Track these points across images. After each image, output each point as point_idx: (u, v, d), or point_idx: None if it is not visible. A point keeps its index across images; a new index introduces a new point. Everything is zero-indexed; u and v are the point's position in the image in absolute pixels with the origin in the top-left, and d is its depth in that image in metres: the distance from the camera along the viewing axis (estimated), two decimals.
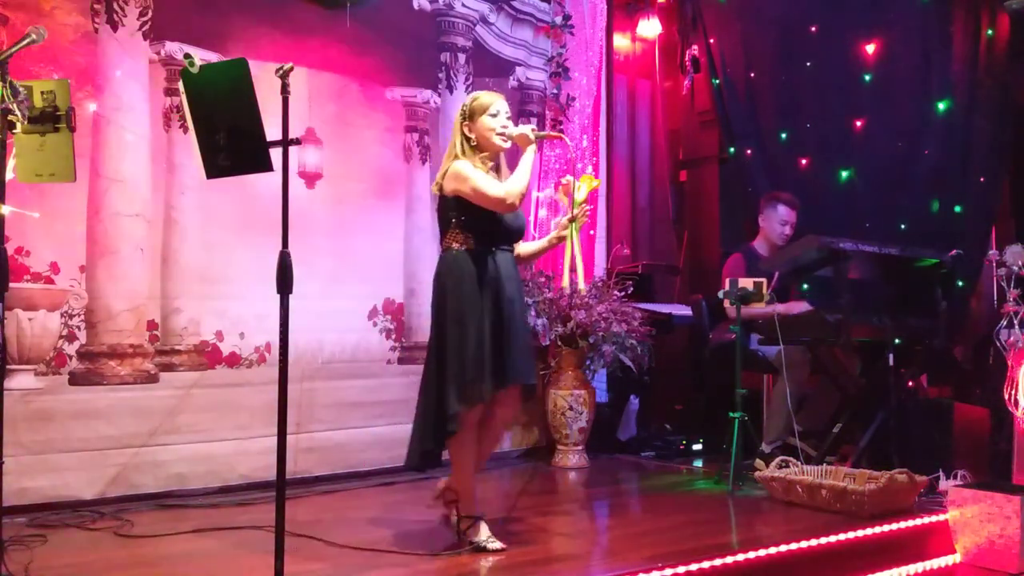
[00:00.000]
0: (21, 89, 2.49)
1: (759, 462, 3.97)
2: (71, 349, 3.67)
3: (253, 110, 2.47)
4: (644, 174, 6.43)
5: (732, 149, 5.82)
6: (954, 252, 4.33)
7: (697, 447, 5.13)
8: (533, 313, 4.64)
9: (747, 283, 4.11)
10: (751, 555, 2.95)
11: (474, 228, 3.02)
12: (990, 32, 4.85)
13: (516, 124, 3.13)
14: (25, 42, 2.53)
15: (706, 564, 2.84)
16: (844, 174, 5.24)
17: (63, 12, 3.67)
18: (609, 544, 3.42)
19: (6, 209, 2.47)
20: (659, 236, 6.44)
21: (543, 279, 4.81)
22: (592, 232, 5.34)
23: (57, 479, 3.57)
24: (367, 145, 4.60)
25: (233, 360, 4.09)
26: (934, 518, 3.53)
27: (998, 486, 3.56)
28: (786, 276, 4.55)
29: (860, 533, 3.28)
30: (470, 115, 3.07)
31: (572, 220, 3.11)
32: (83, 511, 3.52)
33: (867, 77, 5.17)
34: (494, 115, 3.06)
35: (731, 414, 4.05)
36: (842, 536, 3.23)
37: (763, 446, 4.46)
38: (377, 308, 4.60)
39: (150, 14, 3.89)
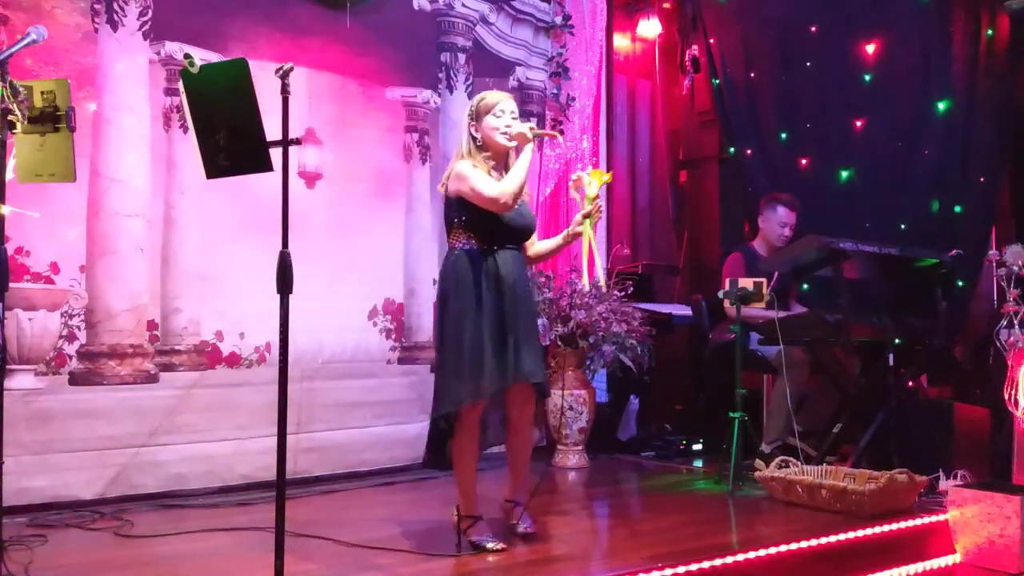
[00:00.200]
0: (21, 89, 2.49)
1: (759, 462, 3.97)
2: (71, 349, 3.67)
3: (253, 110, 2.47)
4: (644, 174, 6.43)
5: (732, 149, 5.82)
6: (954, 252, 4.33)
7: (697, 447, 5.13)
8: None
9: (747, 283, 4.11)
10: (751, 555, 2.95)
11: (476, 228, 3.02)
12: (990, 32, 4.85)
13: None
14: (25, 42, 2.53)
15: (706, 564, 2.84)
16: (844, 174, 5.24)
17: (63, 12, 3.67)
18: (609, 544, 3.42)
19: (6, 209, 2.47)
20: (659, 236, 6.44)
21: (543, 279, 4.81)
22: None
23: (57, 479, 3.57)
24: (367, 145, 4.59)
25: (233, 360, 4.09)
26: (934, 518, 3.53)
27: (998, 486, 3.56)
28: (786, 276, 4.55)
29: (860, 533, 3.28)
30: (476, 115, 3.08)
31: (587, 216, 3.08)
32: (83, 511, 3.52)
33: (867, 77, 5.17)
34: (498, 115, 3.06)
35: (731, 414, 4.05)
36: (842, 536, 3.22)
37: (763, 446, 4.46)
38: (377, 308, 4.60)
39: (150, 14, 3.89)
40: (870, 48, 5.18)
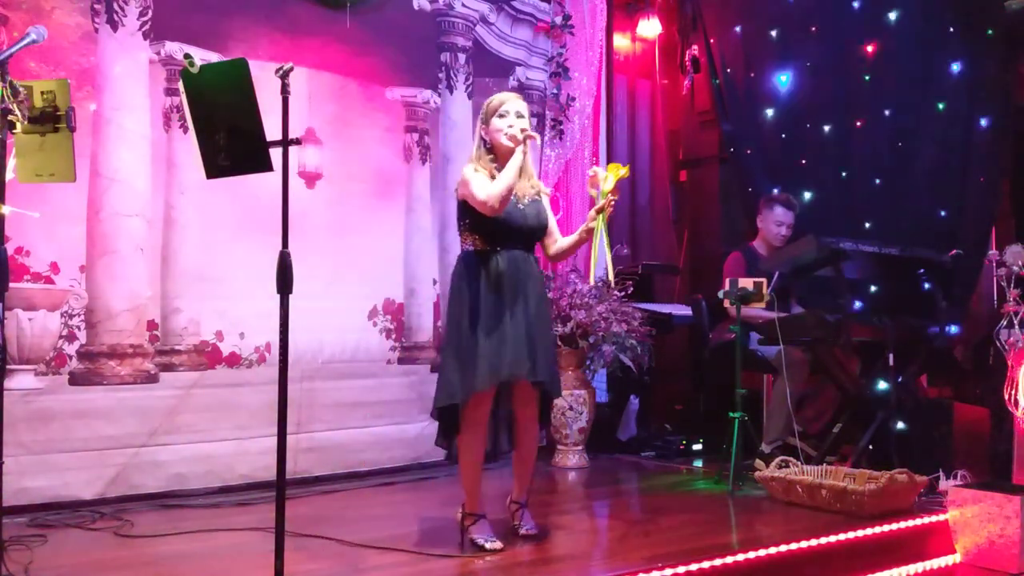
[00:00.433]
0: (21, 89, 2.49)
1: (759, 462, 3.97)
2: (71, 349, 3.67)
3: (253, 110, 2.47)
4: (644, 174, 6.43)
5: (732, 149, 5.82)
6: (954, 252, 4.33)
7: (697, 447, 5.13)
8: None
9: (747, 283, 4.11)
10: (751, 555, 2.95)
11: (480, 229, 3.04)
12: (990, 32, 4.85)
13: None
14: (25, 42, 2.53)
15: (706, 564, 2.84)
16: (844, 174, 5.24)
17: (63, 12, 3.67)
18: (609, 544, 3.42)
19: (6, 209, 2.47)
20: (659, 236, 6.44)
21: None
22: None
23: (57, 479, 3.57)
24: (367, 145, 4.59)
25: (233, 360, 4.09)
26: (934, 518, 3.53)
27: (998, 486, 3.56)
28: (786, 276, 4.56)
29: (860, 533, 3.28)
30: (485, 118, 3.11)
31: (600, 211, 3.04)
32: (83, 511, 3.52)
33: (867, 77, 5.17)
34: (503, 115, 3.07)
35: (731, 414, 4.05)
36: (842, 536, 3.23)
37: (763, 446, 4.46)
38: (377, 308, 4.60)
39: (150, 14, 3.89)
40: (870, 48, 5.18)
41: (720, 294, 4.21)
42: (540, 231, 3.15)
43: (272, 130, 2.48)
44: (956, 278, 4.56)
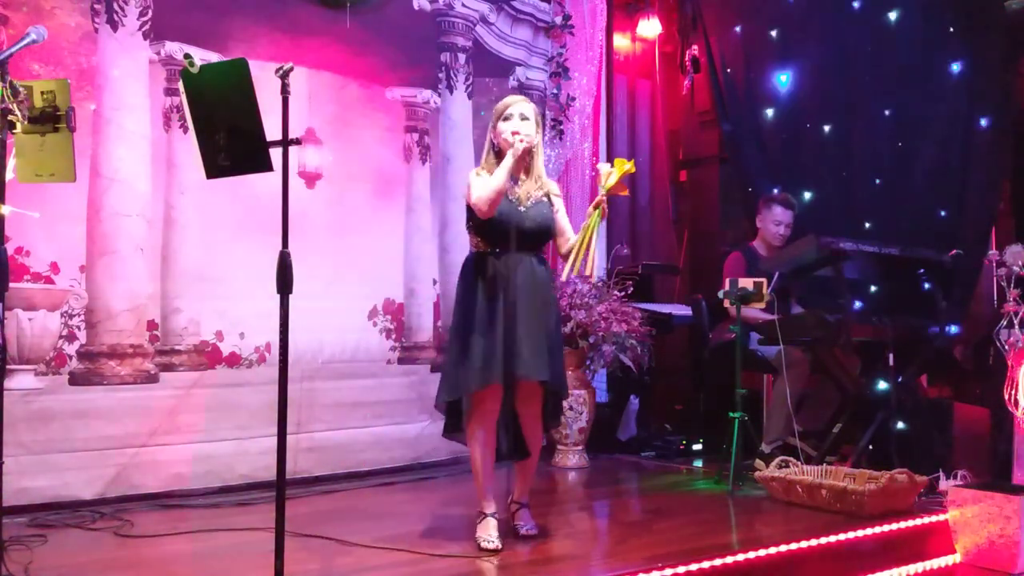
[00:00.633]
0: (21, 89, 2.49)
1: (759, 462, 3.97)
2: (71, 349, 3.67)
3: (253, 110, 2.47)
4: (644, 174, 6.43)
5: (732, 149, 5.81)
6: (954, 252, 4.33)
7: (697, 447, 5.13)
8: None
9: (747, 283, 4.11)
10: (751, 555, 2.95)
11: (481, 231, 3.09)
12: (990, 32, 4.85)
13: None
14: (25, 42, 2.53)
15: (706, 564, 2.84)
16: (844, 174, 5.24)
17: (63, 12, 3.67)
18: (609, 544, 3.42)
19: (6, 209, 2.47)
20: (659, 236, 6.45)
21: None
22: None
23: (57, 479, 3.57)
24: (367, 145, 4.59)
25: (233, 360, 4.09)
26: (934, 518, 3.53)
27: (998, 486, 3.56)
28: (786, 276, 4.56)
29: (860, 533, 3.29)
30: (494, 122, 3.14)
31: (596, 206, 3.02)
32: (83, 511, 3.52)
33: (867, 77, 5.17)
34: (507, 118, 3.10)
35: (731, 414, 4.05)
36: (842, 536, 3.23)
37: (763, 446, 4.46)
38: (377, 308, 4.60)
39: (150, 14, 3.88)
40: (870, 48, 5.18)
41: (720, 294, 4.21)
42: (544, 233, 3.15)
43: (272, 130, 2.48)
44: (956, 278, 4.56)
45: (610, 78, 5.91)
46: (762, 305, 4.15)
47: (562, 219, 3.21)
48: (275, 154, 2.50)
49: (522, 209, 3.08)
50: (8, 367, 3.34)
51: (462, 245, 4.40)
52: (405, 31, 4.73)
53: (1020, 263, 3.81)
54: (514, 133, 3.05)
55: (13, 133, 2.51)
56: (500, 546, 2.98)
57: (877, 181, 5.11)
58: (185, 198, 3.99)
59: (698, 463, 4.91)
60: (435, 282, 4.81)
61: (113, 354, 3.76)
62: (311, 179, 4.38)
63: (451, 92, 4.90)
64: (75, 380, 3.67)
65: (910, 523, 3.45)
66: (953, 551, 3.50)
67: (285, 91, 2.47)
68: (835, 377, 4.41)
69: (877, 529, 3.33)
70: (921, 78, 5.01)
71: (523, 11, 5.27)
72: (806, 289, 4.88)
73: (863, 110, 5.19)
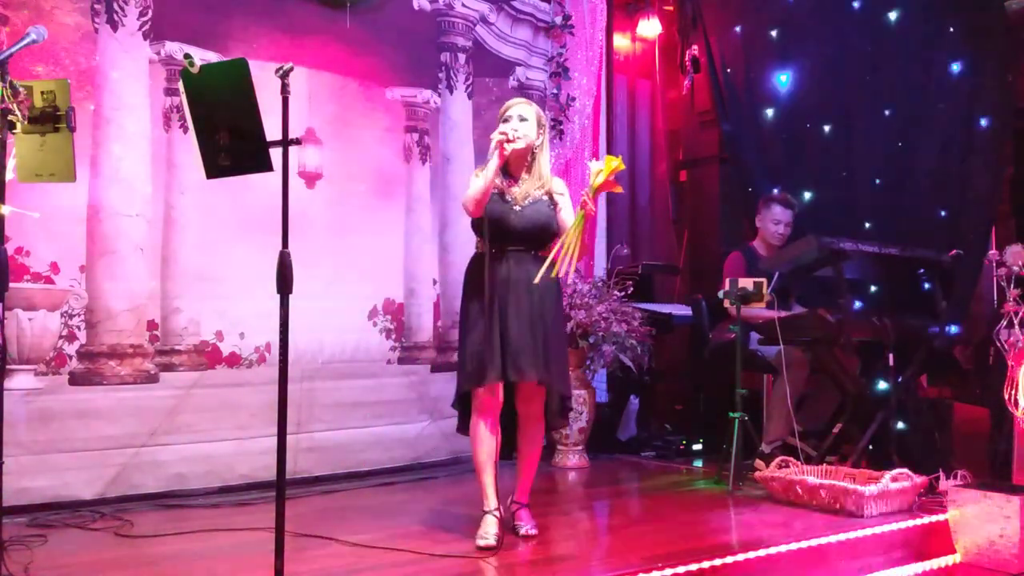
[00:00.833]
0: (21, 89, 2.49)
1: (759, 462, 3.97)
2: (71, 349, 3.67)
3: (253, 110, 2.47)
4: (644, 174, 6.43)
5: (732, 149, 5.81)
6: (954, 252, 4.33)
7: (697, 447, 5.13)
8: None
9: (747, 283, 4.11)
10: (751, 555, 2.95)
11: (479, 232, 3.14)
12: (990, 32, 4.85)
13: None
14: (25, 42, 2.53)
15: (706, 564, 2.84)
16: (844, 174, 5.24)
17: (63, 12, 3.67)
18: (609, 544, 3.42)
19: (6, 209, 2.47)
20: (659, 236, 6.44)
21: None
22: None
23: (57, 479, 3.57)
24: (367, 145, 4.59)
25: (233, 360, 4.09)
26: (934, 518, 3.53)
27: (998, 486, 3.56)
28: (786, 276, 4.56)
29: (860, 533, 3.28)
30: (498, 124, 3.18)
31: (582, 206, 2.98)
32: (83, 511, 3.52)
33: (867, 77, 5.17)
34: (506, 120, 3.14)
35: (731, 414, 4.06)
36: (842, 536, 3.23)
37: (763, 446, 4.46)
38: (377, 308, 4.60)
39: (150, 14, 3.89)
40: (870, 47, 5.17)
41: (720, 294, 4.22)
42: (540, 233, 3.15)
43: (272, 130, 2.49)
44: (956, 278, 4.56)
45: (610, 78, 5.91)
46: (762, 305, 4.15)
47: (566, 218, 3.19)
48: (275, 154, 2.50)
49: (517, 209, 3.10)
50: (8, 367, 3.34)
51: (462, 245, 4.42)
52: (405, 31, 4.73)
53: (1020, 263, 3.81)
54: (502, 133, 3.05)
55: (13, 133, 2.51)
56: (495, 543, 2.98)
57: (877, 181, 5.10)
58: (185, 198, 3.99)
59: (698, 463, 4.91)
60: (435, 282, 4.81)
61: (113, 354, 3.76)
62: (311, 179, 4.38)
63: (451, 92, 4.90)
64: (75, 380, 3.67)
65: (910, 523, 3.45)
66: (953, 551, 3.49)
67: (285, 91, 2.47)
68: (835, 377, 4.41)
69: (877, 529, 3.33)
70: (921, 78, 5.01)
71: (523, 11, 5.27)
72: (806, 289, 4.88)
73: (863, 110, 5.19)
